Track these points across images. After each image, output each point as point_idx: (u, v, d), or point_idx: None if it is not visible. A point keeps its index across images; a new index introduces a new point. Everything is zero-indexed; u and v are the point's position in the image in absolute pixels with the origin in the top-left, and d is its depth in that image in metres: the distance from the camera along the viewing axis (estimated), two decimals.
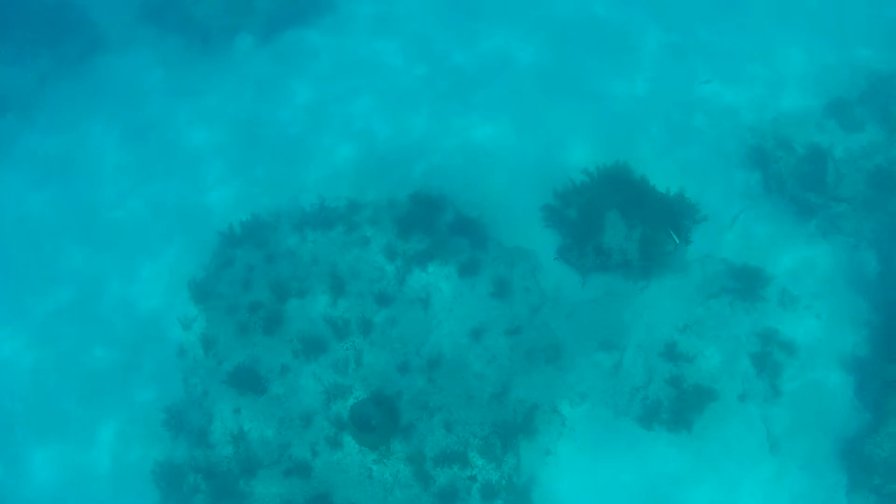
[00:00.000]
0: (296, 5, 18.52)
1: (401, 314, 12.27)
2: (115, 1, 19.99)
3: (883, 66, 16.87)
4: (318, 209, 13.33)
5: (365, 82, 17.07)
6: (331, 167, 15.23)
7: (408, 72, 17.14)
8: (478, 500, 10.87)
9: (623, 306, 12.80)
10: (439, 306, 12.35)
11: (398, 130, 15.71)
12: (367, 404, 11.08)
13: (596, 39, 17.72)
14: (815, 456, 11.28)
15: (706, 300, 12.88)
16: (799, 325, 12.63)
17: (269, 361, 11.99)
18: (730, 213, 14.28)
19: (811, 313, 12.76)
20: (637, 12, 18.46)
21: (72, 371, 13.91)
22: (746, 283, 12.89)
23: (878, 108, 15.94)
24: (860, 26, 18.25)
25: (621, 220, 13.13)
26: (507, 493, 10.92)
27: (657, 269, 13.00)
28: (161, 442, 12.43)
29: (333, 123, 16.22)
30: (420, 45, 17.67)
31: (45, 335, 14.38)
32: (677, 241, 12.00)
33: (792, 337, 12.43)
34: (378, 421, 10.87)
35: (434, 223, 12.81)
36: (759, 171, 15.09)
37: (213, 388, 12.04)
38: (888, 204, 14.09)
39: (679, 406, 11.57)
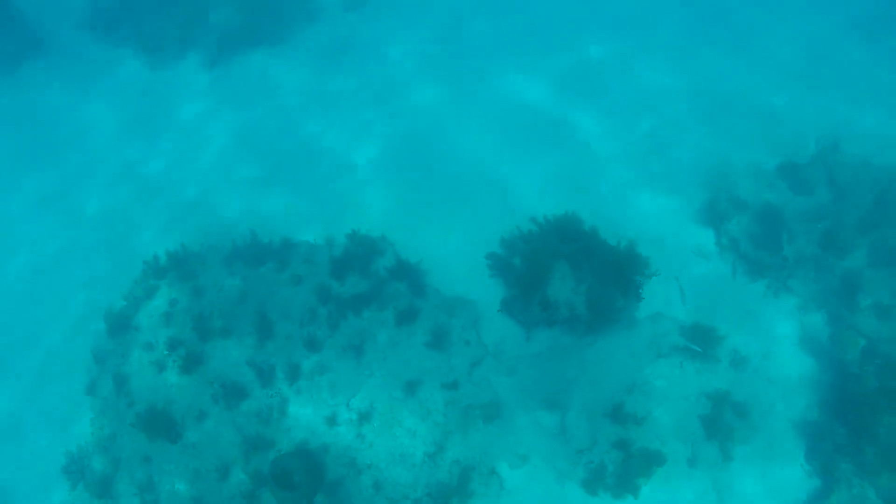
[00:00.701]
0: (252, 29, 18.63)
1: (331, 361, 11.80)
2: (58, 6, 19.91)
3: (830, 132, 17.63)
4: (250, 244, 12.93)
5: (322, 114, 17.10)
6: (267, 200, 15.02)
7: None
8: None
9: (568, 363, 12.56)
10: (372, 356, 11.93)
11: (340, 166, 15.54)
12: (289, 458, 10.43)
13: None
14: None
15: (656, 359, 12.73)
16: (750, 387, 12.51)
17: (185, 405, 11.27)
18: (682, 270, 14.32)
19: (762, 376, 12.70)
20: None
21: None
22: (698, 342, 12.78)
23: (825, 172, 16.53)
24: (813, 86, 19.33)
25: (570, 273, 13.08)
26: None
27: (605, 324, 12.82)
28: (58, 492, 11.41)
29: (269, 156, 16.07)
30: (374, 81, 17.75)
31: None
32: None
33: (743, 399, 12.25)
34: (301, 478, 10.21)
35: (372, 266, 12.50)
36: (711, 228, 15.36)
37: (121, 432, 11.20)
38: (835, 267, 14.38)
39: (625, 470, 11.20)
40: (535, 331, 12.83)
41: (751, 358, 13.00)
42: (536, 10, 20.63)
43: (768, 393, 12.51)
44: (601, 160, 16.67)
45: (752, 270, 14.62)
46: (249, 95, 17.85)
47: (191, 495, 10.57)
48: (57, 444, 11.94)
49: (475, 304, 13.10)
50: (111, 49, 19.19)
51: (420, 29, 19.02)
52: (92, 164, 16.82)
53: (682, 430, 11.83)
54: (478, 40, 19.04)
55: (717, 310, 13.90)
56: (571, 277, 12.99)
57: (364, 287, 12.29)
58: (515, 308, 12.67)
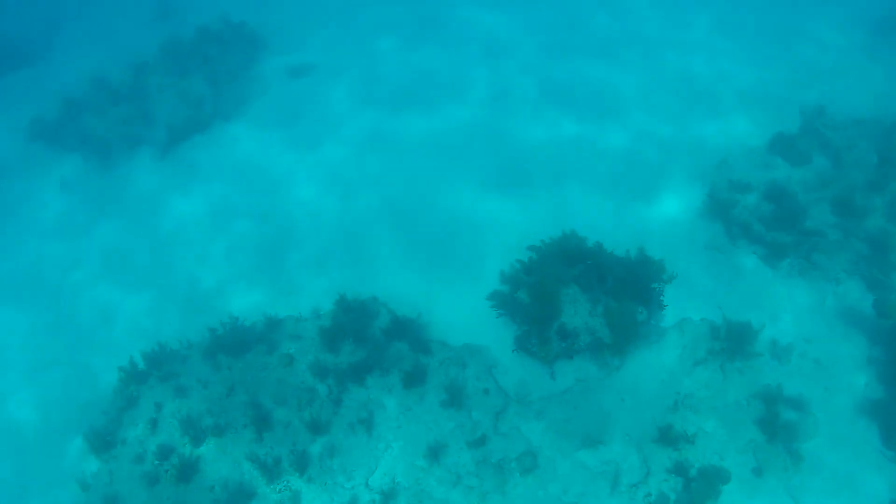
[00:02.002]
0: (197, 116, 19.05)
1: (340, 441, 11.27)
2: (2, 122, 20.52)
3: (813, 99, 17.84)
4: (231, 330, 12.49)
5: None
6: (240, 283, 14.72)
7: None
8: None
9: (601, 393, 12.06)
10: (385, 426, 11.38)
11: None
12: None
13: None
14: None
15: (693, 368, 12.26)
16: (800, 377, 12.06)
17: None
18: (697, 270, 14.03)
19: (809, 360, 12.26)
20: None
21: None
22: (733, 341, 12.40)
23: (818, 138, 16.61)
24: (783, 62, 19.76)
25: (582, 296, 12.74)
26: None
27: (631, 342, 12.38)
28: None
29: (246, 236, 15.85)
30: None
31: None
32: None
33: (796, 391, 11.75)
34: None
35: (366, 330, 12.11)
36: (718, 220, 15.17)
37: None
38: (857, 231, 14.15)
39: (689, 496, 10.59)
40: (557, 365, 12.37)
41: (793, 345, 12.64)
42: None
43: (821, 379, 12.11)
44: (586, 175, 16.59)
45: (771, 253, 14.40)
46: (205, 174, 17.81)
47: None
48: None
49: (487, 350, 12.68)
50: (60, 155, 19.27)
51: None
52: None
53: (740, 439, 11.31)
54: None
55: (745, 302, 13.54)
56: (585, 300, 12.66)
57: (362, 354, 11.84)
58: (531, 344, 12.25)
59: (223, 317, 12.93)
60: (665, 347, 12.69)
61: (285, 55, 21.83)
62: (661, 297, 12.69)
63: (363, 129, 18.61)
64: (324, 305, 13.20)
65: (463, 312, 13.34)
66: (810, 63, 20.09)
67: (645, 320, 12.45)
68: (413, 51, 21.48)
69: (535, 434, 11.42)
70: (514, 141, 17.75)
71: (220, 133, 19.20)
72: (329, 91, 20.23)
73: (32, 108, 20.78)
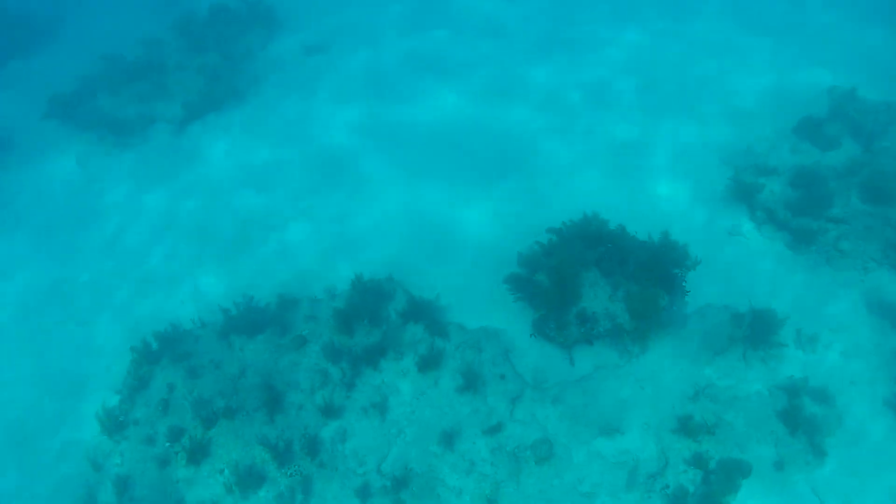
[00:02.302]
0: (214, 93, 18.94)
1: (353, 426, 11.08)
2: (19, 101, 20.36)
3: (841, 84, 17.21)
4: (245, 310, 12.32)
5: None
6: (258, 262, 14.53)
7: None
8: None
9: (619, 381, 11.77)
10: (399, 411, 11.16)
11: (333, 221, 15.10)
12: None
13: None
14: None
15: (714, 357, 11.93)
16: (825, 369, 11.69)
17: (196, 501, 10.41)
18: (720, 255, 13.61)
19: (835, 351, 11.89)
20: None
21: None
22: (756, 329, 12.01)
23: (848, 123, 16.04)
24: (809, 49, 19.09)
25: (602, 280, 12.38)
26: None
27: (652, 329, 12.04)
28: None
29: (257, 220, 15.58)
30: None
31: None
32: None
33: (821, 383, 11.38)
34: None
35: (381, 312, 11.87)
36: (744, 204, 14.73)
37: None
38: (889, 218, 13.62)
39: (708, 489, 10.29)
40: (576, 351, 12.07)
41: (819, 335, 12.27)
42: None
43: (848, 371, 11.73)
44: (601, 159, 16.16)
45: (798, 240, 13.96)
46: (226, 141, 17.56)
47: None
48: None
49: (504, 334, 12.42)
50: (76, 133, 19.17)
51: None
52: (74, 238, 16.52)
53: (761, 431, 10.98)
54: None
55: (769, 290, 13.16)
56: (606, 284, 12.30)
57: (377, 337, 11.60)
58: (548, 329, 11.93)
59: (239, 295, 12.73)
60: (686, 335, 12.35)
61: (301, 34, 21.36)
62: (684, 283, 12.31)
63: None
64: (341, 286, 12.93)
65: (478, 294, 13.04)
66: (834, 49, 19.41)
67: (667, 306, 12.08)
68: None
69: (551, 421, 11.17)
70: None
71: (233, 111, 18.91)
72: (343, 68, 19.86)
73: (49, 88, 20.52)
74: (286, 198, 16.02)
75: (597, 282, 12.39)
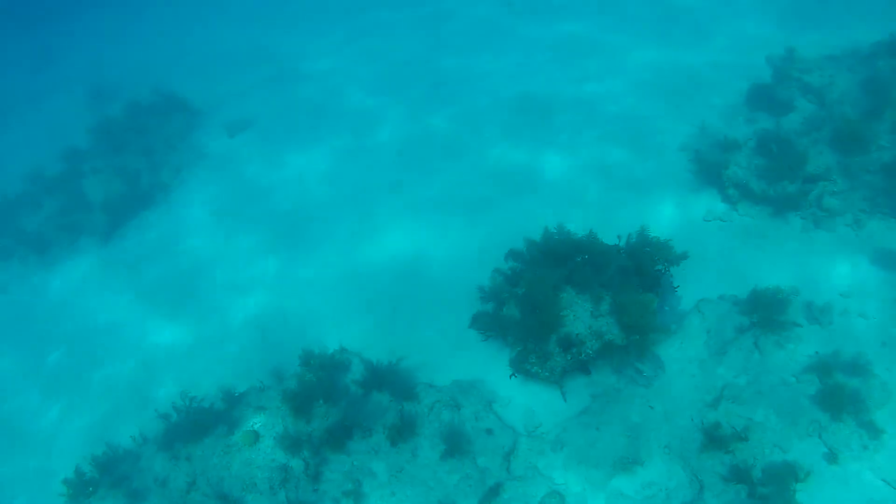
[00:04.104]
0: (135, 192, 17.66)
1: None
2: None
3: (778, 49, 16.38)
4: (187, 413, 10.43)
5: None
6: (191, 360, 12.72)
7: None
8: None
9: (624, 404, 10.07)
10: (377, 495, 9.28)
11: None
12: None
13: None
14: None
15: (724, 353, 10.24)
16: (848, 336, 10.08)
17: None
18: (701, 246, 12.12)
19: (853, 315, 10.40)
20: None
21: None
22: (762, 312, 10.43)
23: (795, 84, 15.07)
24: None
25: (579, 297, 10.69)
26: None
27: (648, 339, 10.31)
28: None
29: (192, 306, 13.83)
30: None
31: None
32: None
33: (851, 354, 9.74)
34: None
35: (337, 386, 10.02)
36: (713, 186, 13.44)
37: None
38: (866, 165, 12.41)
39: None
40: (566, 383, 10.29)
41: (831, 304, 10.81)
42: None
43: (873, 334, 10.22)
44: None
45: (779, 209, 12.66)
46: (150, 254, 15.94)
47: None
48: None
49: (482, 383, 10.61)
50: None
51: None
52: None
53: (801, 424, 9.26)
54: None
55: (764, 268, 11.66)
56: (584, 300, 10.64)
57: (336, 415, 9.75)
58: (530, 364, 10.20)
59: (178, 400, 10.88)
60: (687, 336, 10.75)
61: (221, 116, 20.21)
62: (671, 279, 10.73)
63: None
64: (289, 368, 11.14)
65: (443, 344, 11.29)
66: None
67: (658, 309, 10.44)
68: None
69: (556, 470, 9.32)
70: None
71: (162, 206, 17.42)
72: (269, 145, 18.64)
73: None
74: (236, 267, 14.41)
75: (573, 301, 10.73)
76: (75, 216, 17.33)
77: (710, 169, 13.57)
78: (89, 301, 15.42)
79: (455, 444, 9.40)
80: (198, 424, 10.41)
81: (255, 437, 10.01)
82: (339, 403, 9.91)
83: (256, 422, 10.21)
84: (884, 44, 15.08)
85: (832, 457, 8.85)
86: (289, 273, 14.10)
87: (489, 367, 10.78)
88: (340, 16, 25.79)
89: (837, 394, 9.30)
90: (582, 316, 10.57)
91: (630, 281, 10.65)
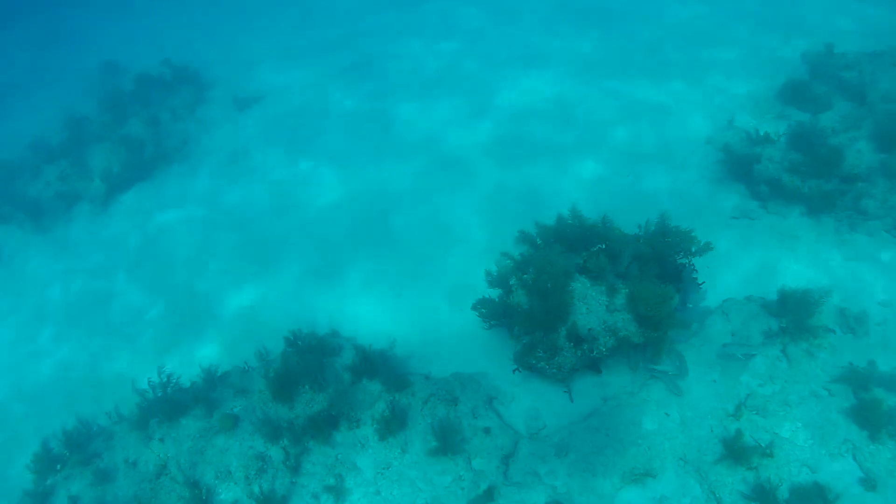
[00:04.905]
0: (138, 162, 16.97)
1: None
2: None
3: (816, 48, 15.36)
4: (163, 393, 9.58)
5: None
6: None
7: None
8: None
9: (637, 409, 9.10)
10: (360, 493, 8.37)
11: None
12: None
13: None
14: None
15: (749, 359, 9.25)
16: (887, 348, 9.08)
17: None
18: (728, 243, 11.13)
19: (891, 327, 9.25)
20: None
21: None
22: (793, 317, 9.39)
23: (833, 81, 14.05)
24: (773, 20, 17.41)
25: (593, 288, 9.71)
26: None
27: (666, 338, 9.33)
28: None
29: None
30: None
31: None
32: None
33: (890, 367, 8.82)
34: None
35: (326, 371, 9.12)
36: (741, 182, 12.45)
37: None
38: None
39: None
40: (574, 382, 9.32)
41: (867, 313, 9.76)
42: None
43: None
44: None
45: (812, 207, 11.50)
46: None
47: None
48: None
49: (483, 376, 9.66)
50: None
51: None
52: None
53: (832, 442, 8.19)
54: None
55: (795, 270, 10.75)
56: (598, 292, 9.66)
57: (322, 403, 8.86)
58: (536, 359, 9.23)
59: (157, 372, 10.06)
60: (709, 338, 9.68)
61: (232, 91, 19.36)
62: (695, 274, 9.73)
63: None
64: (275, 348, 10.25)
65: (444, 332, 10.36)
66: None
67: (679, 306, 9.45)
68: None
69: (559, 477, 8.36)
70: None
71: (163, 177, 16.61)
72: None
73: None
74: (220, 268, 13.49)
75: (587, 292, 9.76)
76: (74, 183, 16.58)
77: (739, 161, 12.53)
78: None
79: (448, 442, 8.46)
80: (175, 404, 9.57)
81: (234, 421, 9.16)
82: (326, 390, 9.01)
83: (236, 405, 9.35)
84: None
85: (870, 483, 7.82)
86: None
87: (491, 359, 9.83)
88: None
89: (874, 410, 8.28)
90: (596, 309, 9.62)
91: (649, 271, 9.67)
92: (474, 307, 9.87)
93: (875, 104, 13.23)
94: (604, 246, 10.14)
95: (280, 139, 16.78)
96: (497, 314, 9.87)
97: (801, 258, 11.04)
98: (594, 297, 9.70)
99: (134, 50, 24.82)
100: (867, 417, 8.29)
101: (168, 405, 9.58)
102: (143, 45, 25.31)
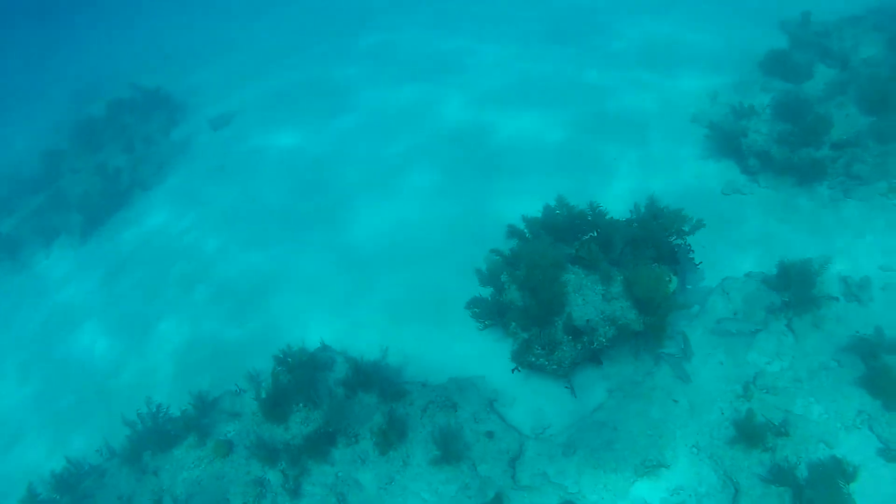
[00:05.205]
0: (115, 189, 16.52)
1: None
2: None
3: (794, 14, 15.18)
4: (153, 423, 9.25)
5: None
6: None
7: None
8: None
9: (644, 399, 8.83)
10: None
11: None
12: None
13: None
14: None
15: (753, 336, 8.96)
16: (892, 312, 8.75)
17: None
18: (721, 221, 10.86)
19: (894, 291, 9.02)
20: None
21: None
22: (796, 290, 9.14)
23: (813, 48, 13.88)
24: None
25: (588, 277, 9.44)
26: None
27: (668, 322, 9.04)
28: None
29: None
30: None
31: None
32: None
33: None
34: None
35: (319, 387, 8.81)
36: (730, 158, 12.18)
37: None
38: None
39: None
40: (576, 376, 9.01)
41: (870, 278, 9.59)
42: None
43: None
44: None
45: (805, 177, 11.28)
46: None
47: None
48: None
49: (481, 380, 9.34)
50: None
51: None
52: None
53: (847, 414, 7.94)
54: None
55: (792, 242, 10.38)
56: (593, 282, 9.39)
57: (318, 420, 8.54)
58: (534, 356, 8.93)
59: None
60: (712, 319, 9.41)
61: (206, 111, 19.07)
62: (691, 254, 9.45)
63: None
64: (265, 369, 9.91)
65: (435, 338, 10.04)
66: None
67: (678, 288, 9.17)
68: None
69: (569, 476, 8.04)
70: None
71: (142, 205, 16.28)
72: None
73: None
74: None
75: (581, 282, 9.48)
76: (51, 217, 16.24)
77: (726, 136, 12.29)
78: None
79: (451, 450, 8.14)
80: (167, 434, 9.23)
81: (229, 446, 8.83)
82: (321, 407, 8.68)
83: (230, 430, 9.02)
84: None
85: (889, 452, 7.54)
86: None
87: (489, 360, 9.52)
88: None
89: (886, 377, 8.01)
90: (592, 299, 9.34)
91: (644, 254, 9.39)
92: (467, 307, 9.55)
93: (858, 68, 13.05)
94: (595, 233, 9.86)
95: None
96: (491, 313, 9.56)
97: (798, 228, 10.78)
98: (589, 286, 9.42)
99: (105, 72, 24.61)
100: (880, 386, 8.03)
101: (160, 436, 9.24)
102: (118, 64, 25.11)
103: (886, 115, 11.37)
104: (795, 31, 15.29)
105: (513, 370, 9.14)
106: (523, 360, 9.06)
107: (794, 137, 11.46)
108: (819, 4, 15.52)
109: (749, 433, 7.90)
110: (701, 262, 9.84)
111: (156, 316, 12.70)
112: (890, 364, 8.13)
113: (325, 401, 8.73)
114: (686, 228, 9.39)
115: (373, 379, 9.04)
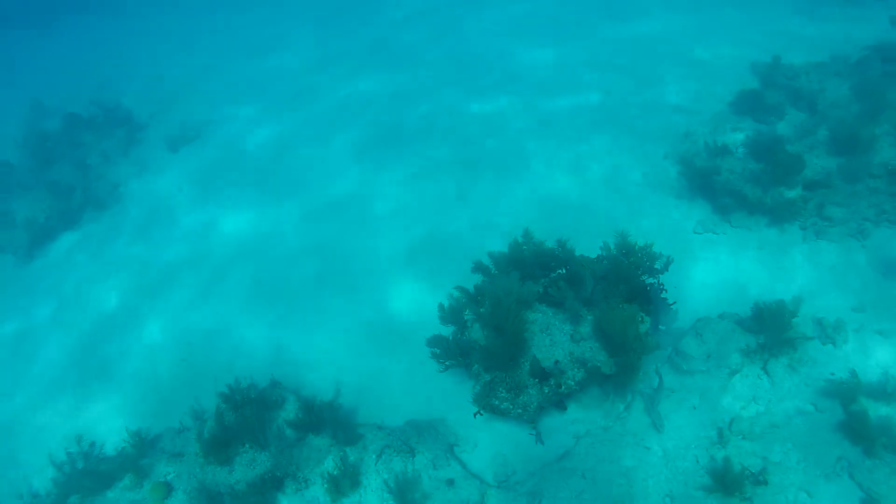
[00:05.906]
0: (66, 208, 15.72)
1: None
2: None
3: (762, 58, 15.40)
4: (85, 463, 8.45)
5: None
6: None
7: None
8: None
9: (614, 446, 8.40)
10: None
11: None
12: None
13: None
14: None
15: (728, 380, 8.63)
16: (870, 355, 8.56)
17: None
18: (694, 262, 10.65)
19: (870, 332, 9.06)
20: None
21: None
22: (770, 332, 8.85)
23: (783, 90, 14.05)
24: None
25: (556, 317, 9.05)
26: None
27: (639, 363, 8.65)
28: None
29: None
30: None
31: None
32: None
33: (876, 375, 8.24)
34: None
35: (268, 427, 8.14)
36: (702, 196, 12.02)
37: None
38: (867, 167, 11.14)
39: None
40: (544, 420, 8.54)
41: (843, 321, 9.50)
42: None
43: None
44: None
45: (776, 217, 11.17)
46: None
47: None
48: None
49: (442, 423, 8.79)
50: None
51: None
52: None
53: (826, 461, 7.61)
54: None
55: (765, 286, 10.17)
56: (562, 321, 9.00)
57: (265, 463, 7.86)
58: (498, 399, 8.42)
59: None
60: (685, 361, 9.08)
61: (165, 131, 18.51)
62: (664, 294, 9.13)
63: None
64: (210, 406, 9.23)
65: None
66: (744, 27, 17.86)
67: (650, 330, 8.81)
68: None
69: None
70: None
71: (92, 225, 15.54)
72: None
73: None
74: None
75: (549, 322, 9.09)
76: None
77: (699, 174, 12.18)
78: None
79: (408, 500, 7.54)
80: (99, 475, 8.44)
81: (168, 489, 8.09)
82: (269, 448, 8.03)
83: (169, 471, 8.28)
84: (873, 48, 14.20)
85: (872, 502, 7.19)
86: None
87: (450, 403, 8.98)
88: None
89: (865, 423, 7.72)
90: (560, 340, 8.93)
91: (616, 292, 9.04)
92: (428, 344, 9.04)
93: (827, 111, 13.17)
94: (564, 271, 9.50)
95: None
96: (452, 353, 9.05)
97: (771, 270, 10.61)
98: (558, 326, 9.03)
99: (60, 89, 23.93)
100: (859, 431, 7.73)
101: (91, 477, 8.44)
102: (77, 82, 24.46)
103: (853, 156, 11.41)
104: (766, 72, 15.48)
105: (475, 414, 8.60)
106: (486, 402, 8.53)
107: (766, 177, 11.39)
108: (786, 52, 15.80)
109: (726, 482, 7.50)
110: (675, 303, 9.53)
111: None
112: (868, 408, 7.85)
113: (273, 442, 8.08)
114: (657, 266, 9.08)
115: (325, 419, 8.41)
